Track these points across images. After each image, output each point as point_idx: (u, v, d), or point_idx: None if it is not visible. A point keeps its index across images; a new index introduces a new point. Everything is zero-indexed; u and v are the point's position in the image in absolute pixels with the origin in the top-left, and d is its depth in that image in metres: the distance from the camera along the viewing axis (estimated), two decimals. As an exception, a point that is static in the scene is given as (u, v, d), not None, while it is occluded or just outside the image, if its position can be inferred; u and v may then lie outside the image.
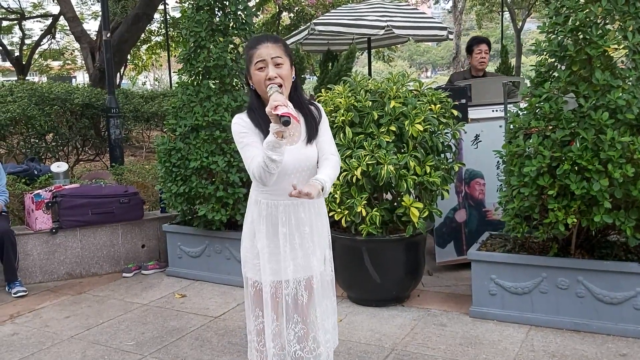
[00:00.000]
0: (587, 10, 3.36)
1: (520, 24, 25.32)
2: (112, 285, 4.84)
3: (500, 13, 20.75)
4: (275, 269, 2.40)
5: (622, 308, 3.44)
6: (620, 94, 3.25)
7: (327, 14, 8.45)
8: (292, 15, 19.24)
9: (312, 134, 2.38)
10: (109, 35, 6.95)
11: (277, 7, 18.91)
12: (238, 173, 4.48)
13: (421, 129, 3.82)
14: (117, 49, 10.65)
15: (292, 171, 2.33)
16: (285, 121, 2.06)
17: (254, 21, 20.88)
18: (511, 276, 3.71)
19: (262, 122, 2.28)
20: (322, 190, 2.22)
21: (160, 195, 5.25)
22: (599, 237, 3.71)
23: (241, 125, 2.33)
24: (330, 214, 3.83)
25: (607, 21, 3.44)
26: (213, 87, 4.61)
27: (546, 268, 3.60)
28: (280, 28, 19.18)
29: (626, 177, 3.19)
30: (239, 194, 4.48)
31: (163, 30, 17.93)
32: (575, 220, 3.33)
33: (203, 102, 4.56)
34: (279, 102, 2.09)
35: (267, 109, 2.11)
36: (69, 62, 24.86)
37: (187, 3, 4.64)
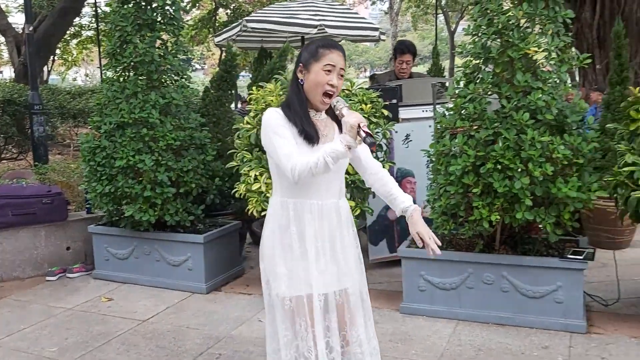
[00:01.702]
0: (509, 13, 3.47)
1: (454, 26, 26.03)
2: (35, 290, 4.62)
3: (435, 15, 21.24)
4: (307, 280, 2.28)
5: (544, 302, 3.57)
6: (540, 95, 3.37)
7: (259, 11, 8.39)
8: (228, 11, 19.02)
9: None
10: (31, 28, 6.64)
11: (214, 3, 18.65)
12: (167, 172, 4.36)
13: (352, 128, 3.83)
14: (43, 44, 10.22)
15: None
16: (371, 142, 2.04)
17: (189, 17, 20.50)
18: (439, 272, 3.79)
19: (302, 120, 2.24)
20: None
21: (85, 195, 5.06)
22: (522, 234, 3.84)
23: (278, 118, 2.25)
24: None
25: (528, 24, 3.56)
26: (140, 83, 4.47)
27: (472, 264, 3.70)
28: (217, 24, 18.93)
29: (546, 175, 3.31)
30: (168, 194, 4.36)
31: (94, 24, 17.34)
32: (498, 217, 3.43)
33: (129, 99, 4.42)
34: (363, 120, 2.09)
35: (352, 120, 2.07)
36: (-5, 56, 23.69)
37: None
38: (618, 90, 5.05)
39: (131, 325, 3.87)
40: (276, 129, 2.22)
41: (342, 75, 2.26)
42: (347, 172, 3.81)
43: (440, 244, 2.26)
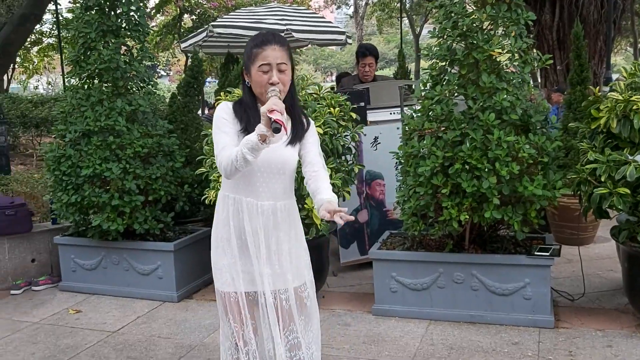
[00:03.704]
0: (474, 16, 3.53)
1: (418, 29, 26.34)
2: (-2, 304, 4.50)
3: (400, 19, 21.46)
4: (248, 278, 2.30)
5: (513, 299, 3.63)
6: (505, 96, 3.43)
7: (225, 17, 8.35)
8: (194, 17, 18.87)
9: (296, 137, 2.30)
10: (-10, 36, 6.47)
11: (178, 9, 18.47)
12: (135, 180, 4.30)
13: (321, 132, 3.84)
14: (2, 52, 9.98)
15: (263, 170, 2.25)
16: (276, 128, 2.00)
17: (154, 23, 20.24)
18: (410, 273, 3.82)
19: (249, 118, 2.22)
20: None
21: (50, 205, 4.95)
22: (490, 232, 3.90)
23: (224, 112, 2.25)
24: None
25: (492, 27, 3.63)
26: (105, 90, 4.40)
27: (442, 264, 3.74)
28: (182, 30, 18.76)
29: (512, 174, 3.38)
30: (136, 202, 4.30)
31: (55, 31, 17.00)
32: (467, 216, 3.48)
33: (94, 107, 4.35)
34: (277, 108, 2.03)
35: (263, 109, 2.03)
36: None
37: (77, 3, 4.41)
38: (579, 90, 5.18)
39: (101, 337, 3.80)
40: (218, 123, 2.24)
41: (283, 70, 2.20)
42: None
43: (347, 216, 2.08)
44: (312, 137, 2.36)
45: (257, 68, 2.20)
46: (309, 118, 2.42)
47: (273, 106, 2.03)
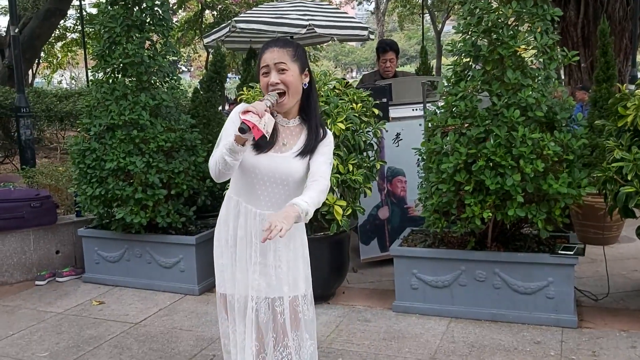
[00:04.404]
0: (499, 11, 3.49)
1: (440, 25, 26.16)
2: (23, 294, 4.58)
3: (421, 15, 21.34)
4: (241, 282, 2.26)
5: (535, 297, 3.60)
6: (530, 93, 3.40)
7: (248, 12, 8.37)
8: (215, 13, 18.98)
9: (306, 148, 2.22)
10: (17, 30, 6.57)
11: (200, 4, 18.58)
12: (158, 174, 4.34)
13: (343, 127, 3.84)
14: (28, 46, 10.13)
15: (265, 179, 2.20)
16: (241, 128, 1.99)
17: (176, 19, 20.42)
18: (432, 270, 3.80)
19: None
20: (305, 215, 2.02)
21: (75, 198, 5.02)
22: (513, 230, 3.86)
23: (235, 113, 2.22)
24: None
25: (518, 22, 3.59)
26: (129, 84, 4.45)
27: (464, 261, 3.72)
28: (203, 26, 18.87)
29: (537, 172, 3.34)
30: (159, 196, 4.34)
31: (79, 26, 17.21)
32: (490, 214, 3.45)
33: (119, 101, 4.39)
34: (251, 108, 2.00)
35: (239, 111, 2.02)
36: (-23, 59, 23.42)
37: (101, -2, 4.48)
38: (605, 88, 5.10)
39: (123, 328, 3.85)
40: (226, 124, 2.24)
41: (282, 69, 2.15)
42: (338, 172, 3.84)
43: (280, 233, 1.90)
44: (325, 147, 2.27)
45: (260, 73, 2.20)
46: (327, 129, 2.33)
47: (249, 107, 2.01)
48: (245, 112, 2.00)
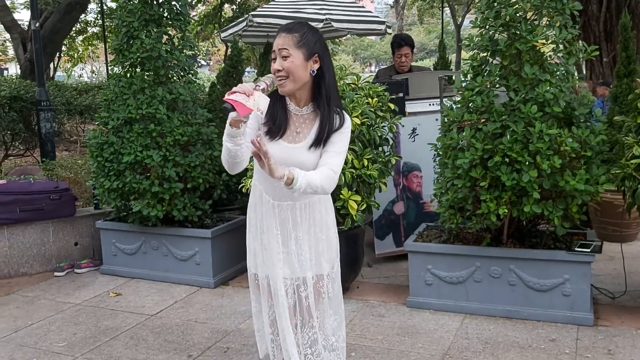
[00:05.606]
0: (517, 5, 3.45)
1: (460, 19, 25.93)
2: (42, 285, 4.65)
3: (441, 9, 21.16)
4: (268, 263, 2.31)
5: (551, 295, 3.57)
6: (548, 88, 3.35)
7: (265, 6, 8.37)
8: (234, 7, 19.00)
9: (318, 139, 2.19)
10: (37, 24, 6.65)
11: (219, -2, 18.62)
12: (174, 167, 4.37)
13: (359, 122, 3.83)
14: (49, 40, 10.25)
15: None
16: (224, 107, 1.97)
17: (195, 13, 20.50)
18: (446, 266, 3.79)
19: (272, 112, 2.18)
20: (292, 183, 2.02)
21: (93, 191, 5.08)
22: (529, 227, 3.83)
23: None
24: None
25: (536, 17, 3.54)
26: (147, 79, 4.48)
27: (480, 258, 3.69)
28: (222, 20, 18.92)
29: (554, 168, 3.30)
30: (176, 189, 4.38)
31: (99, 20, 17.37)
32: (506, 210, 3.42)
33: (136, 95, 4.43)
34: (236, 88, 1.97)
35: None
36: (0, 53, 23.79)
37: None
38: (625, 83, 5.02)
39: (139, 320, 3.90)
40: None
41: (285, 56, 2.11)
42: (353, 167, 3.83)
43: (264, 155, 1.96)
44: (338, 135, 2.22)
45: (272, 58, 2.19)
46: (346, 117, 2.26)
47: (236, 88, 1.98)
48: (232, 92, 1.98)
